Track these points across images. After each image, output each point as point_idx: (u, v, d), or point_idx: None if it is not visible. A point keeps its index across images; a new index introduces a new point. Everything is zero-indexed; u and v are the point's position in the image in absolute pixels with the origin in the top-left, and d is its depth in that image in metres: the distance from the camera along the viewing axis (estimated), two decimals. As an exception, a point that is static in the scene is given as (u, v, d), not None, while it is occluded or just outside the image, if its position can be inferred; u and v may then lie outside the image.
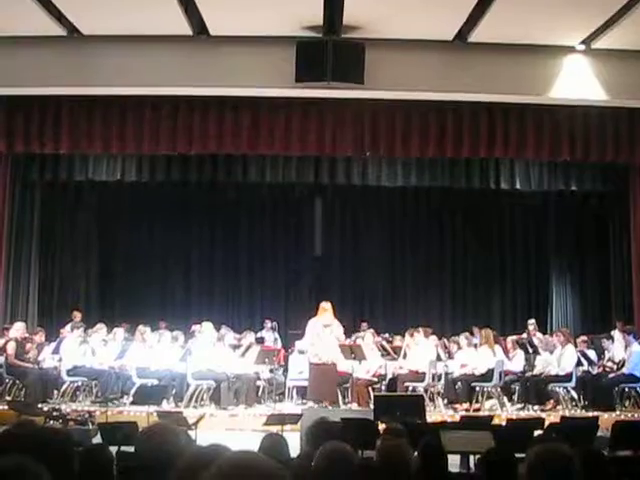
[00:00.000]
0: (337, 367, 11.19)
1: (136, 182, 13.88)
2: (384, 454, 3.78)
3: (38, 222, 14.20)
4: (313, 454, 3.31)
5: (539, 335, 13.01)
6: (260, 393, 11.80)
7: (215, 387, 11.17)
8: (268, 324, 14.65)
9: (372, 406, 9.32)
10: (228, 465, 1.46)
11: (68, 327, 12.63)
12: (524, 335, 12.97)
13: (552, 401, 11.21)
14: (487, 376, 11.27)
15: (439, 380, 11.66)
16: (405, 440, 4.12)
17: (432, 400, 11.33)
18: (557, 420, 8.54)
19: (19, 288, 13.58)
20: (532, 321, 13.56)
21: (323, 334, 11.26)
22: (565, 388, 11.36)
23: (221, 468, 1.45)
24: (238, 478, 1.42)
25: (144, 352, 11.61)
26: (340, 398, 11.22)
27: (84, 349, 11.56)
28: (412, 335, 12.02)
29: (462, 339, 12.29)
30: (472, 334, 12.80)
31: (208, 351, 11.46)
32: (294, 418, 8.53)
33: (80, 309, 14.12)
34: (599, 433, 7.60)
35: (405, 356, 11.87)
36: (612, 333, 12.22)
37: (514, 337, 12.66)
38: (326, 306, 11.52)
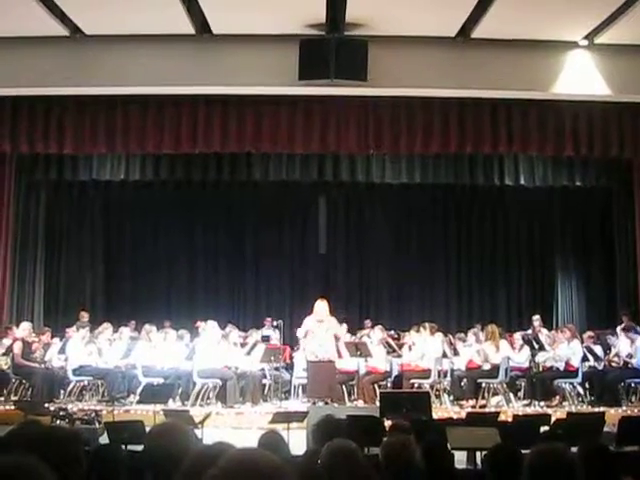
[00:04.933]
0: (335, 363, 11.19)
1: (140, 181, 13.93)
2: (389, 451, 3.79)
3: (43, 222, 14.24)
4: (319, 451, 3.31)
5: (545, 331, 12.98)
6: (266, 391, 11.81)
7: (221, 385, 11.19)
8: (273, 322, 14.58)
9: (378, 403, 9.33)
10: (232, 462, 1.46)
11: (74, 327, 12.67)
12: (529, 331, 12.95)
13: (558, 397, 11.20)
14: (493, 372, 11.26)
15: (445, 377, 11.66)
16: (411, 437, 4.13)
17: (438, 397, 11.34)
18: (563, 416, 8.55)
19: (25, 288, 13.62)
20: (537, 317, 13.54)
21: (318, 330, 11.28)
22: (571, 384, 11.34)
23: (225, 465, 1.45)
24: (242, 475, 1.42)
25: (150, 351, 11.64)
26: (346, 395, 11.23)
27: (90, 349, 11.58)
28: (417, 331, 12.02)
29: (470, 336, 12.26)
30: (482, 330, 12.73)
31: (213, 349, 11.47)
32: (300, 416, 8.53)
33: (86, 309, 14.15)
34: (605, 429, 7.59)
35: (410, 348, 11.84)
36: (617, 329, 12.20)
37: (520, 333, 12.65)
38: (320, 302, 11.53)
